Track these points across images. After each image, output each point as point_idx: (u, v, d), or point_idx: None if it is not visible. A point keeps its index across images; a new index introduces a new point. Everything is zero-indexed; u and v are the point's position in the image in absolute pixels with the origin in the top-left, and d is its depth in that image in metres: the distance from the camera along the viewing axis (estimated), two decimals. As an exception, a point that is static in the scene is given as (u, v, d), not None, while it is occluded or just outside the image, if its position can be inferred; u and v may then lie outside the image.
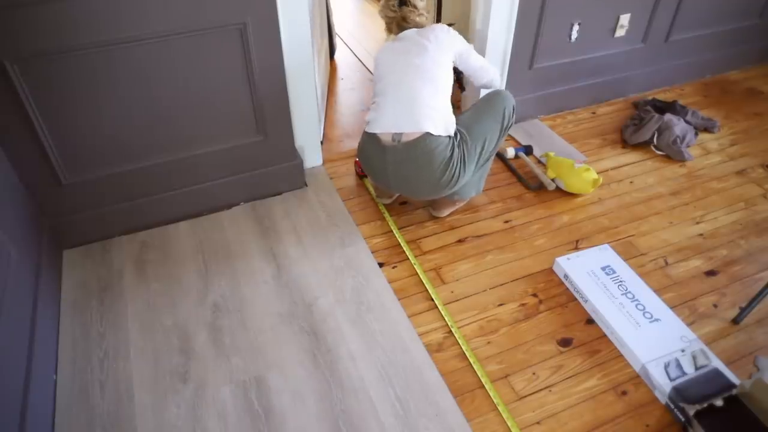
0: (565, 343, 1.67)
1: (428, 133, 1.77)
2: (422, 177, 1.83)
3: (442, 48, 1.85)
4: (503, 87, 2.02)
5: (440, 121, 1.79)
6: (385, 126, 1.82)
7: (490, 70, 2.02)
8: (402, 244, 1.99)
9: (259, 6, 1.75)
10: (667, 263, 1.94)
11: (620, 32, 2.59)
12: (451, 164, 1.81)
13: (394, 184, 1.91)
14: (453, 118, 1.85)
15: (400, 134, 1.80)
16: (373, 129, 1.85)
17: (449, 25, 1.96)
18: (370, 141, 1.88)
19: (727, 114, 2.76)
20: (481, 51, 2.35)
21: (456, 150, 1.82)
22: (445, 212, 2.11)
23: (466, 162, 1.86)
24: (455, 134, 1.84)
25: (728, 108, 2.81)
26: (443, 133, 1.79)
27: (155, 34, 1.66)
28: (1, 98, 1.58)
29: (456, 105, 1.99)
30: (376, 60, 1.95)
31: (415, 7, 1.93)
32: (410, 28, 1.94)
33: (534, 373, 1.59)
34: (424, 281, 1.85)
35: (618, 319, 1.68)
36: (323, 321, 1.71)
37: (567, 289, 1.84)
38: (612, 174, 2.35)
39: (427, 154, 1.79)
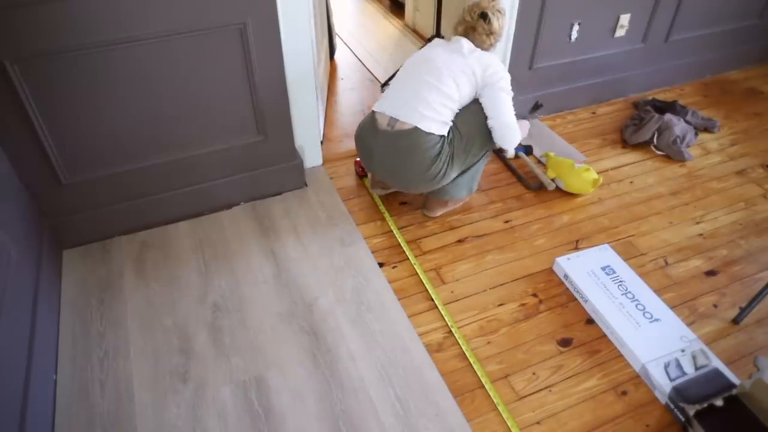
0: (565, 343, 1.67)
1: (419, 128, 1.79)
2: (407, 167, 1.86)
3: (467, 73, 1.85)
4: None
5: (435, 123, 1.81)
6: (385, 108, 1.86)
7: (508, 129, 1.88)
8: (402, 244, 1.99)
9: (259, 6, 1.75)
10: (667, 263, 1.94)
11: (620, 32, 2.59)
12: (438, 160, 1.83)
13: (378, 167, 1.93)
14: (450, 123, 1.86)
15: (396, 120, 1.83)
16: (375, 107, 1.91)
17: None
18: (369, 120, 1.93)
19: (727, 114, 2.76)
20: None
21: (447, 147, 1.84)
22: (438, 212, 2.11)
23: (454, 159, 1.87)
24: (448, 132, 1.85)
25: (728, 108, 2.81)
26: (435, 132, 1.81)
27: (155, 34, 1.66)
28: (1, 98, 1.58)
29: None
30: (417, 51, 1.99)
31: (489, 23, 1.90)
32: (470, 39, 1.92)
33: (534, 373, 1.59)
34: (424, 281, 1.85)
35: (618, 319, 1.68)
36: (323, 321, 1.71)
37: (567, 289, 1.84)
38: (612, 174, 2.35)
39: (415, 147, 1.81)
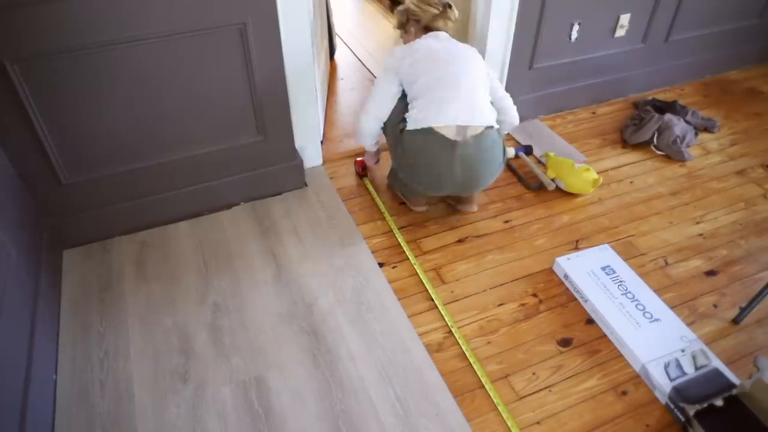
0: (565, 343, 1.67)
1: (490, 126, 1.81)
2: (488, 169, 1.85)
3: (479, 59, 1.91)
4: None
5: (492, 114, 1.84)
6: (450, 119, 1.76)
7: (509, 100, 2.03)
8: (402, 244, 1.99)
9: (259, 6, 1.75)
10: (667, 263, 1.94)
11: (620, 32, 2.59)
12: (504, 153, 1.89)
13: (459, 180, 1.84)
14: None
15: (465, 127, 1.77)
16: (432, 122, 1.76)
17: None
18: (430, 139, 1.77)
19: (727, 114, 2.76)
20: (481, 51, 2.35)
21: (500, 136, 1.89)
22: (477, 205, 2.13)
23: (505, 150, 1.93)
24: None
25: (728, 108, 2.81)
26: (494, 124, 1.84)
27: (155, 34, 1.66)
28: (2, 98, 1.58)
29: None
30: (414, 56, 1.86)
31: (453, 9, 1.93)
32: (446, 30, 1.93)
33: (534, 373, 1.59)
34: (424, 281, 1.84)
35: (618, 319, 1.68)
36: (323, 321, 1.71)
37: (567, 289, 1.84)
38: (612, 174, 2.35)
39: (493, 146, 1.83)
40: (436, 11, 1.92)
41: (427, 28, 1.95)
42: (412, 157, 1.84)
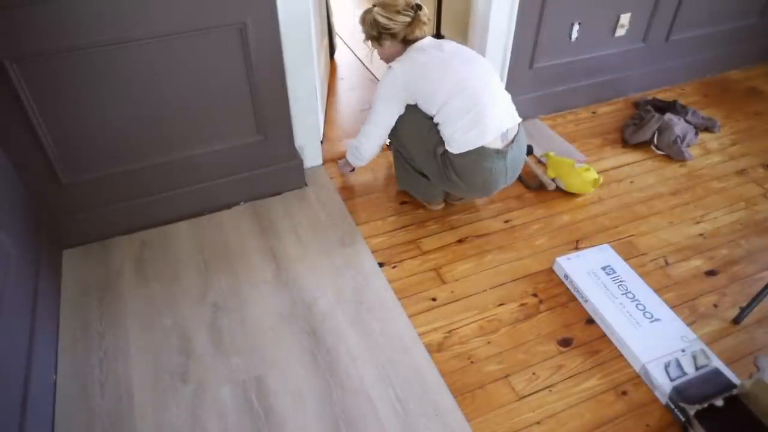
0: (565, 343, 1.67)
1: (519, 122, 1.85)
2: (523, 160, 1.93)
3: (478, 55, 1.89)
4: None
5: (514, 107, 1.85)
6: (495, 131, 1.75)
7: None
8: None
9: (259, 6, 1.75)
10: (667, 263, 1.94)
11: (620, 31, 2.59)
12: None
13: (509, 178, 1.90)
14: None
15: (505, 134, 1.80)
16: (483, 140, 1.74)
17: None
18: (482, 156, 1.76)
19: (727, 113, 2.75)
20: (481, 50, 2.35)
21: None
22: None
23: None
24: None
25: (729, 107, 2.80)
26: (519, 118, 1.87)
27: (155, 33, 1.66)
28: (1, 98, 1.58)
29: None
30: (425, 75, 1.77)
31: (424, 11, 1.81)
32: (418, 38, 1.82)
33: (534, 373, 1.58)
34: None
35: (618, 319, 1.68)
36: (323, 321, 1.71)
37: (567, 289, 1.84)
38: (612, 174, 2.35)
39: (524, 138, 1.88)
40: (407, 18, 1.76)
41: (407, 41, 1.82)
42: (464, 176, 1.82)
